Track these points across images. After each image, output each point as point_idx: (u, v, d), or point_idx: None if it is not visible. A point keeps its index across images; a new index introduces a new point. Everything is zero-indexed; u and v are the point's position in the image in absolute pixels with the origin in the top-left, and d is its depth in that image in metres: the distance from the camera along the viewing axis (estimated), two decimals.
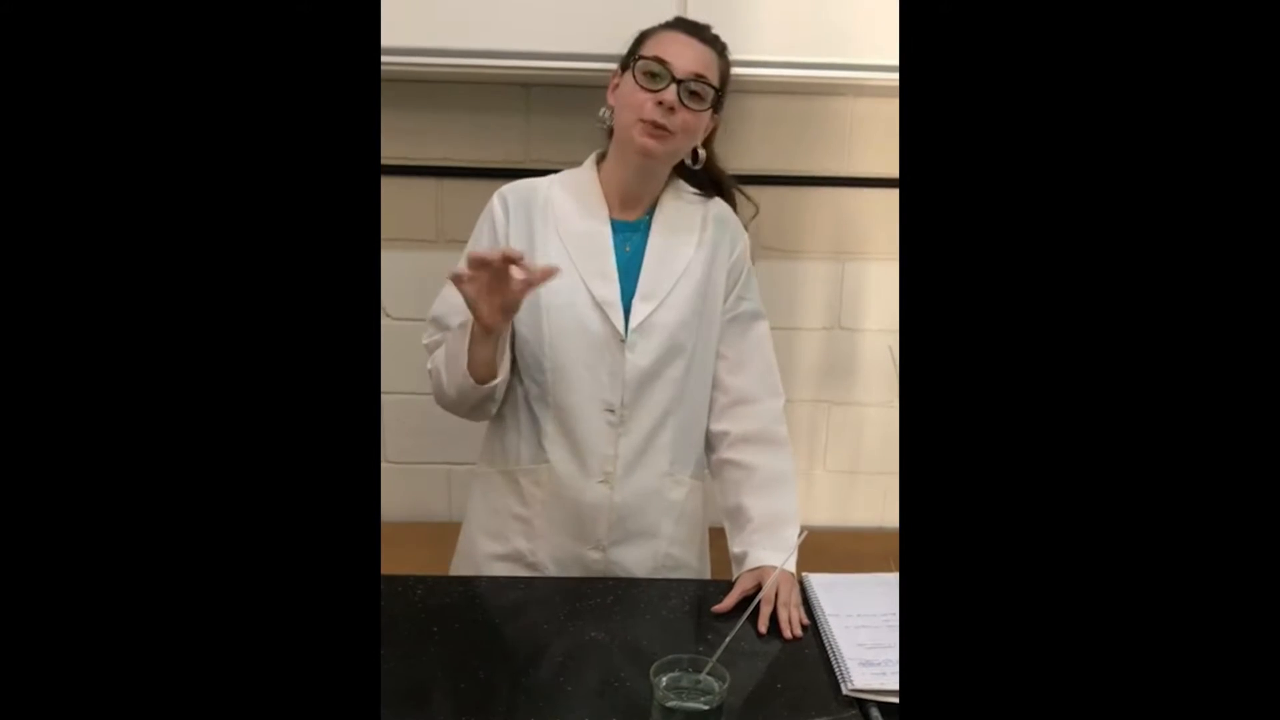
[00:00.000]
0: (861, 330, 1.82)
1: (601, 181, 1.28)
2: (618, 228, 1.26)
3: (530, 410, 1.27)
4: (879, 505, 1.90)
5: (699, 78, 1.20)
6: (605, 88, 1.28)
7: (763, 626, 1.12)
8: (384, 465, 1.82)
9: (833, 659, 1.06)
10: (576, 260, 1.23)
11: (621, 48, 1.27)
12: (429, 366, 1.25)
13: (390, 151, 1.67)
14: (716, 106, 1.26)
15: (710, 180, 1.34)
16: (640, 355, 1.24)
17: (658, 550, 1.30)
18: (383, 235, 1.69)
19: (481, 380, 1.17)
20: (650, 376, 1.25)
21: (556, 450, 1.26)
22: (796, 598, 1.16)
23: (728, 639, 0.95)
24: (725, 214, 1.33)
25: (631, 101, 1.20)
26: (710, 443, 1.34)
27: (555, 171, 1.32)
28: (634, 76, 1.20)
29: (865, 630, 1.10)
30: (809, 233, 1.77)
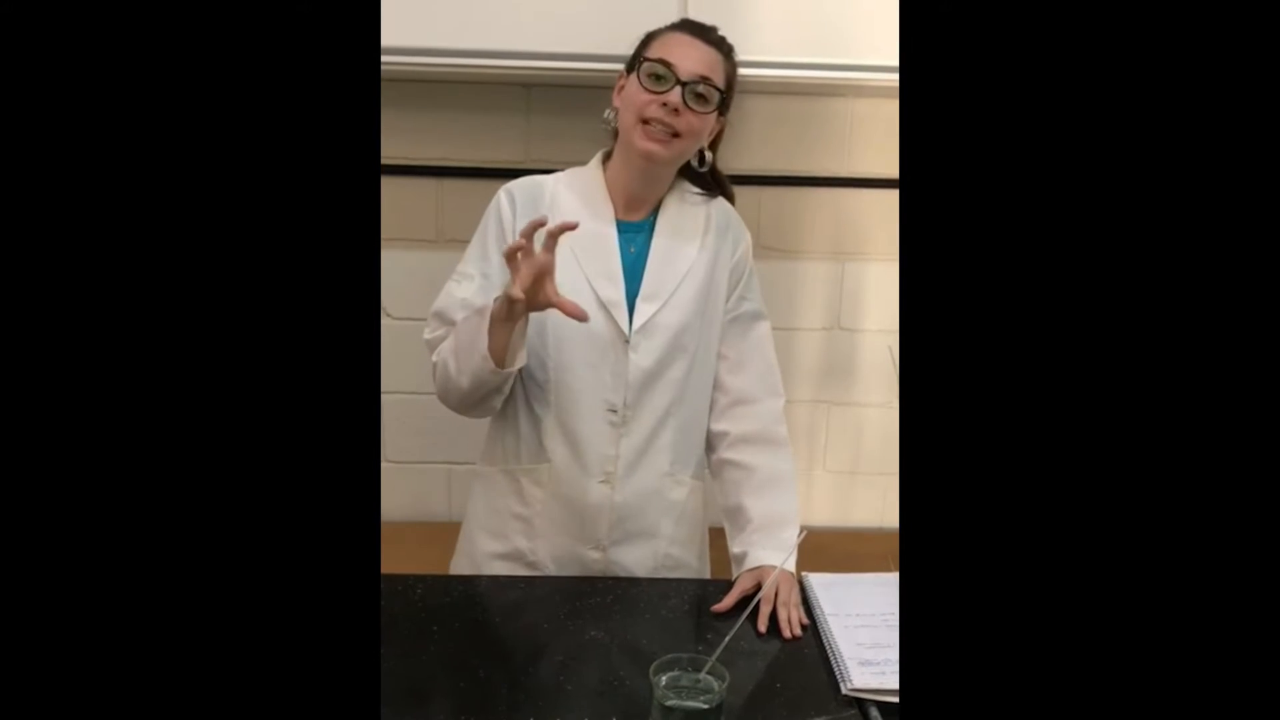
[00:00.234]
0: (861, 331, 1.82)
1: (607, 182, 1.28)
2: (622, 228, 1.26)
3: (531, 409, 1.27)
4: (878, 505, 1.90)
5: (704, 80, 1.19)
6: (606, 88, 1.28)
7: (762, 626, 1.12)
8: (384, 464, 1.82)
9: (832, 658, 1.06)
10: (582, 260, 1.23)
11: (622, 48, 1.27)
12: (433, 359, 1.23)
13: (390, 151, 1.67)
14: (722, 109, 1.25)
15: (715, 182, 1.34)
16: (643, 356, 1.24)
17: (658, 550, 1.30)
18: (383, 235, 1.69)
19: (501, 364, 1.15)
20: (652, 377, 1.25)
21: (558, 450, 1.26)
22: (796, 597, 1.16)
23: (727, 638, 0.95)
24: (728, 214, 1.33)
25: (636, 103, 1.20)
26: (710, 443, 1.34)
27: (556, 171, 1.32)
28: (639, 78, 1.20)
29: (864, 630, 1.10)
30: (809, 233, 1.78)
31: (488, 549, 1.30)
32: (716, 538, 1.36)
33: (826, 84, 1.62)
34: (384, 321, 1.73)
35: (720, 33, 1.25)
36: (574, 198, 1.26)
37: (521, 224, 1.24)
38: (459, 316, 1.21)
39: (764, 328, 1.33)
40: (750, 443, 1.30)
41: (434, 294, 1.29)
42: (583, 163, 1.32)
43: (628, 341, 1.24)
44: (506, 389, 1.22)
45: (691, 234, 1.28)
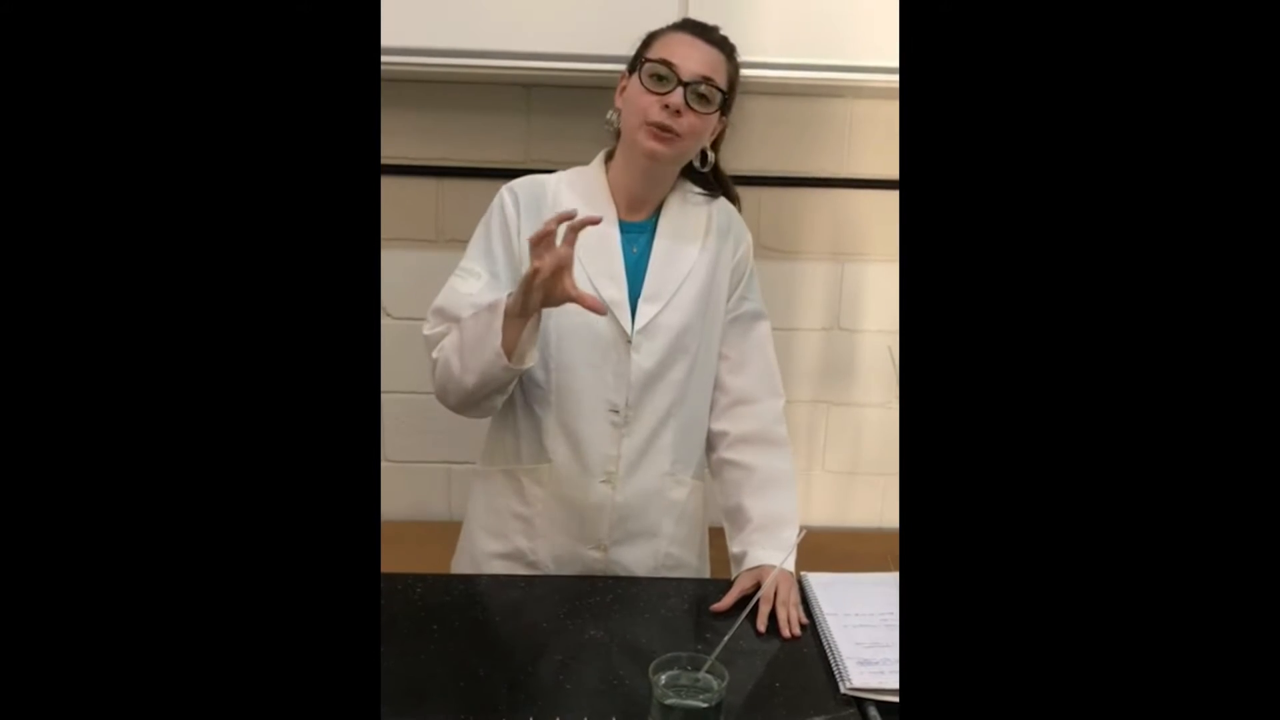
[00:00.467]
0: (860, 331, 1.82)
1: (609, 182, 1.28)
2: (624, 229, 1.27)
3: (532, 410, 1.27)
4: (877, 506, 1.90)
5: (706, 80, 1.19)
6: (607, 88, 1.28)
7: (761, 625, 1.12)
8: (384, 464, 1.82)
9: (831, 658, 1.06)
10: (585, 261, 1.23)
11: (623, 48, 1.27)
12: (433, 355, 1.21)
13: (390, 151, 1.67)
14: (724, 109, 1.25)
15: (718, 182, 1.34)
16: (645, 356, 1.24)
17: (658, 550, 1.30)
18: (383, 235, 1.69)
19: (515, 358, 1.14)
20: (654, 378, 1.25)
21: (559, 450, 1.26)
22: (795, 597, 1.16)
23: (726, 637, 0.95)
24: (729, 215, 1.33)
25: (638, 104, 1.19)
26: (710, 442, 1.34)
27: (557, 171, 1.32)
28: (640, 79, 1.20)
29: (863, 629, 1.10)
30: (808, 234, 1.78)
31: (488, 548, 1.30)
32: (716, 537, 1.36)
33: (826, 85, 1.63)
34: (384, 321, 1.73)
35: (722, 33, 1.25)
36: (576, 198, 1.26)
37: (525, 223, 1.24)
38: (464, 314, 1.19)
39: (764, 328, 1.34)
40: (750, 443, 1.30)
41: (434, 294, 1.29)
42: (583, 163, 1.32)
43: (630, 342, 1.24)
44: (509, 390, 1.22)
45: (693, 235, 1.28)
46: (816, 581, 1.22)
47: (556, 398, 1.25)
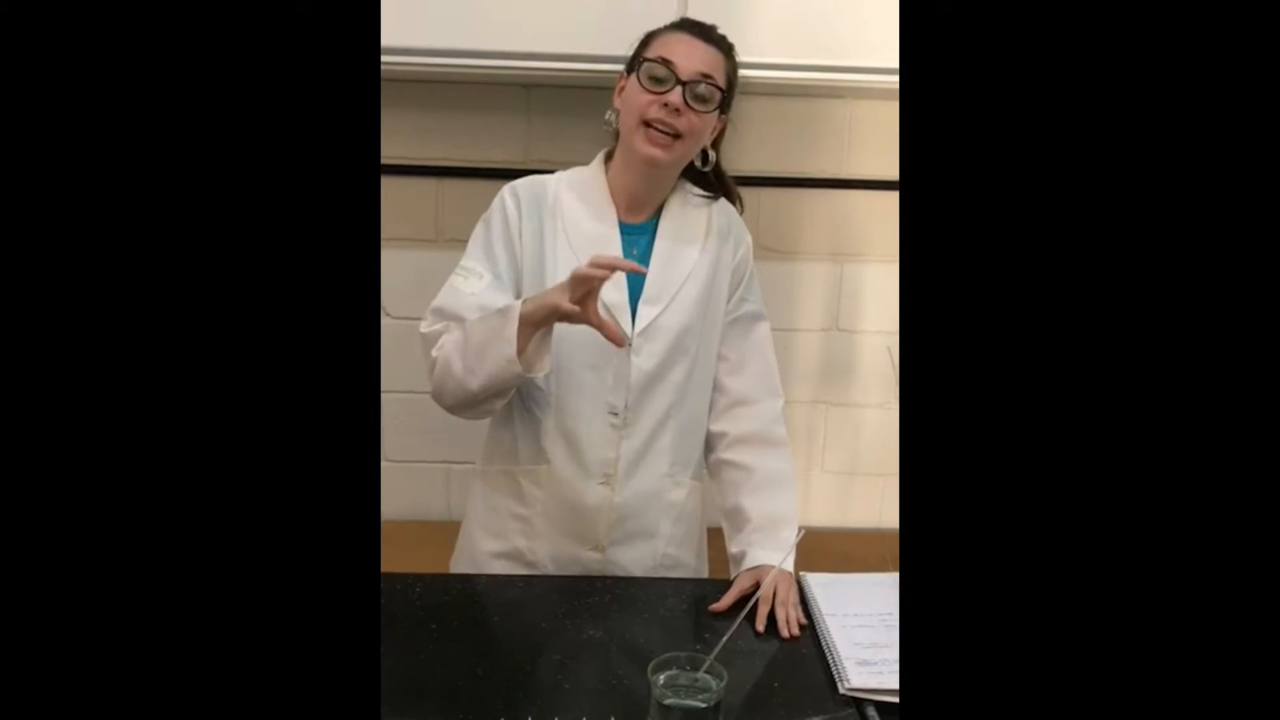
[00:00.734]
0: (859, 332, 1.82)
1: (609, 183, 1.28)
2: (624, 230, 1.26)
3: (531, 411, 1.27)
4: (876, 506, 1.91)
5: (705, 78, 1.19)
6: (606, 89, 1.28)
7: (760, 625, 1.13)
8: (383, 464, 1.82)
9: (830, 658, 1.06)
10: (584, 262, 1.23)
11: (622, 48, 1.27)
12: (432, 354, 1.20)
13: (390, 151, 1.67)
14: (724, 107, 1.25)
15: (718, 184, 1.33)
16: (645, 359, 1.24)
17: (656, 550, 1.30)
18: (383, 235, 1.69)
19: (528, 369, 1.14)
20: (654, 379, 1.25)
21: (557, 451, 1.26)
22: (794, 597, 1.16)
23: (725, 637, 0.95)
24: (730, 216, 1.33)
25: (637, 104, 1.19)
26: (709, 443, 1.34)
27: (557, 171, 1.32)
28: (639, 79, 1.19)
29: (862, 630, 1.10)
30: (807, 234, 1.78)
31: (487, 548, 1.30)
32: (715, 537, 1.36)
33: (825, 86, 1.63)
34: (384, 321, 1.73)
35: (721, 31, 1.25)
36: (576, 199, 1.26)
37: (526, 223, 1.24)
38: (466, 314, 1.19)
39: (764, 329, 1.34)
40: (749, 443, 1.30)
41: (434, 294, 1.29)
42: (583, 163, 1.32)
43: (630, 344, 1.24)
44: (509, 395, 1.22)
45: (693, 237, 1.28)
46: (815, 582, 1.22)
47: (556, 400, 1.25)
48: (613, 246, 1.25)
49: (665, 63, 1.18)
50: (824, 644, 1.09)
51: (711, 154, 1.28)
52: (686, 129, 1.19)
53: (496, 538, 1.30)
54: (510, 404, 1.29)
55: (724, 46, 1.24)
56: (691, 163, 1.27)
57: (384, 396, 1.77)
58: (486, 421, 1.34)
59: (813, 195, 1.76)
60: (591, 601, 1.17)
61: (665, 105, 1.17)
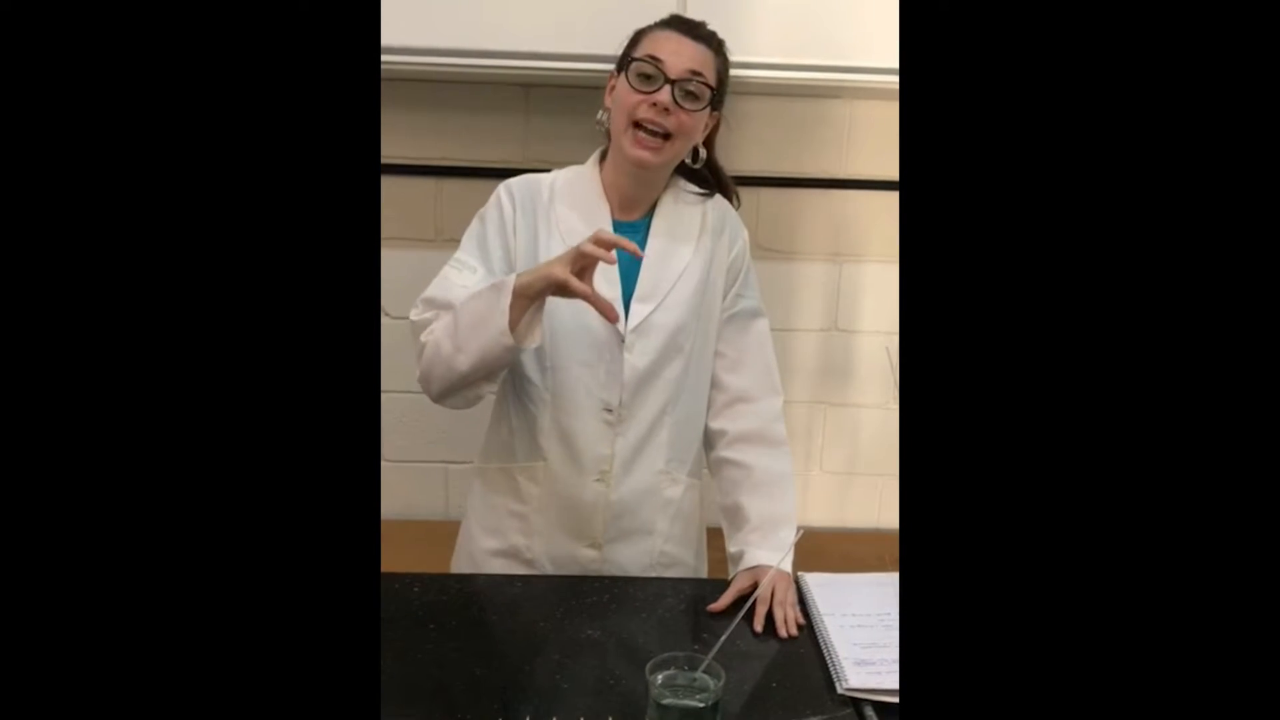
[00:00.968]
0: (858, 332, 1.82)
1: (603, 181, 1.28)
2: (618, 228, 1.26)
3: (527, 408, 1.27)
4: (875, 506, 1.91)
5: (695, 75, 1.18)
6: (604, 88, 1.28)
7: (758, 625, 1.13)
8: (381, 463, 1.82)
9: (828, 658, 1.06)
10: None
11: (621, 48, 1.27)
12: (422, 339, 1.20)
13: (390, 151, 1.67)
14: (716, 104, 1.24)
15: (713, 179, 1.33)
16: (638, 356, 1.25)
17: (653, 547, 1.30)
18: (382, 234, 1.69)
19: (519, 339, 1.12)
20: (648, 377, 1.25)
21: (553, 448, 1.26)
22: (792, 597, 1.16)
23: (723, 637, 0.95)
24: (725, 212, 1.33)
25: (626, 105, 1.19)
26: (709, 441, 1.34)
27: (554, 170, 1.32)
28: (628, 78, 1.19)
29: (861, 630, 1.11)
30: (806, 234, 1.78)
31: (485, 546, 1.31)
32: (715, 537, 1.36)
33: (824, 86, 1.63)
34: (382, 321, 1.73)
35: (710, 27, 1.24)
36: (570, 197, 1.26)
37: (521, 220, 1.24)
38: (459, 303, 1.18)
39: (762, 325, 1.33)
40: (748, 441, 1.30)
41: None
42: (581, 163, 1.32)
43: (623, 341, 1.24)
44: (496, 379, 1.21)
45: (687, 236, 1.28)
46: (814, 582, 1.22)
47: (551, 396, 1.25)
48: None
49: (653, 61, 1.18)
50: (822, 644, 1.09)
51: (702, 151, 1.27)
52: (676, 128, 1.19)
53: (494, 535, 1.30)
54: (507, 401, 1.30)
55: (713, 43, 1.23)
56: (684, 161, 1.27)
57: (383, 396, 1.77)
58: (485, 421, 1.34)
59: (812, 195, 1.76)
60: (590, 601, 1.17)
61: (654, 105, 1.17)
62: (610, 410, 1.25)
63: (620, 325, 1.23)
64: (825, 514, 1.90)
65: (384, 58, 1.43)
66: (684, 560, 1.34)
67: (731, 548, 1.27)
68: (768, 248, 1.77)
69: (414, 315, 1.23)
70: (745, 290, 1.33)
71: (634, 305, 1.25)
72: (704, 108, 1.21)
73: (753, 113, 1.69)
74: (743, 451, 1.30)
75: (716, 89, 1.22)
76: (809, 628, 1.14)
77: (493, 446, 1.33)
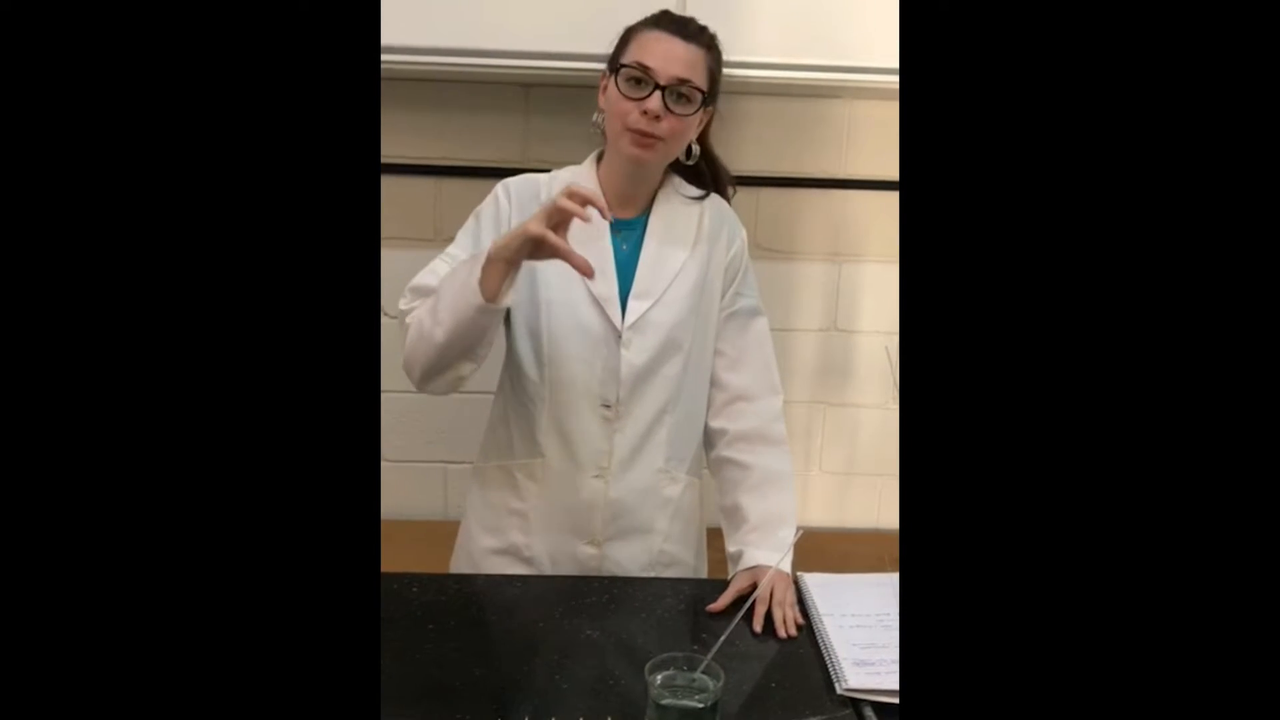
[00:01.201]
0: (857, 332, 1.82)
1: (600, 180, 1.28)
2: (615, 226, 1.26)
3: (526, 405, 1.27)
4: (874, 506, 1.91)
5: (683, 82, 1.18)
6: (599, 89, 1.28)
7: (758, 626, 1.13)
8: (381, 463, 1.82)
9: (827, 658, 1.06)
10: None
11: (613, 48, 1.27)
12: (407, 321, 1.20)
13: (389, 150, 1.67)
14: (709, 100, 1.23)
15: (709, 171, 1.32)
16: (635, 352, 1.25)
17: (652, 546, 1.30)
18: (381, 234, 1.69)
19: (491, 298, 1.11)
20: (646, 373, 1.25)
21: (551, 445, 1.26)
22: (791, 597, 1.16)
23: (723, 637, 0.95)
24: (722, 211, 1.33)
25: (618, 110, 1.19)
26: (708, 440, 1.34)
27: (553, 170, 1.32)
28: (617, 84, 1.19)
29: (860, 630, 1.10)
30: (805, 234, 1.78)
31: (485, 544, 1.31)
32: (716, 537, 1.36)
33: (824, 86, 1.63)
34: (382, 321, 1.73)
35: (700, 23, 1.23)
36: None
37: (517, 218, 1.24)
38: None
39: (762, 324, 1.33)
40: (748, 440, 1.30)
41: None
42: (579, 163, 1.32)
43: (620, 338, 1.24)
44: (475, 358, 1.18)
45: (684, 234, 1.28)
46: (813, 582, 1.22)
47: (549, 393, 1.25)
48: (602, 240, 1.25)
49: (642, 68, 1.17)
50: (821, 644, 1.09)
51: (695, 148, 1.27)
52: (668, 133, 1.18)
53: (493, 534, 1.30)
54: (506, 399, 1.30)
55: (703, 39, 1.21)
56: (678, 157, 1.26)
57: (382, 396, 1.77)
58: (484, 420, 1.34)
59: (811, 195, 1.76)
60: (589, 601, 1.17)
61: (645, 113, 1.17)
62: (608, 407, 1.25)
63: (617, 322, 1.24)
64: (825, 514, 1.90)
65: (384, 57, 1.43)
66: (684, 560, 1.34)
67: (731, 547, 1.27)
68: (767, 248, 1.77)
69: (402, 304, 1.23)
70: (744, 289, 1.32)
71: (631, 302, 1.25)
72: (695, 111, 1.20)
73: (753, 113, 1.69)
74: (742, 451, 1.30)
75: (709, 88, 1.21)
76: (808, 628, 1.14)
77: (492, 444, 1.33)
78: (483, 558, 1.30)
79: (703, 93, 1.20)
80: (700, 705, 0.89)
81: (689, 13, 1.29)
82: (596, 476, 1.26)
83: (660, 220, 1.28)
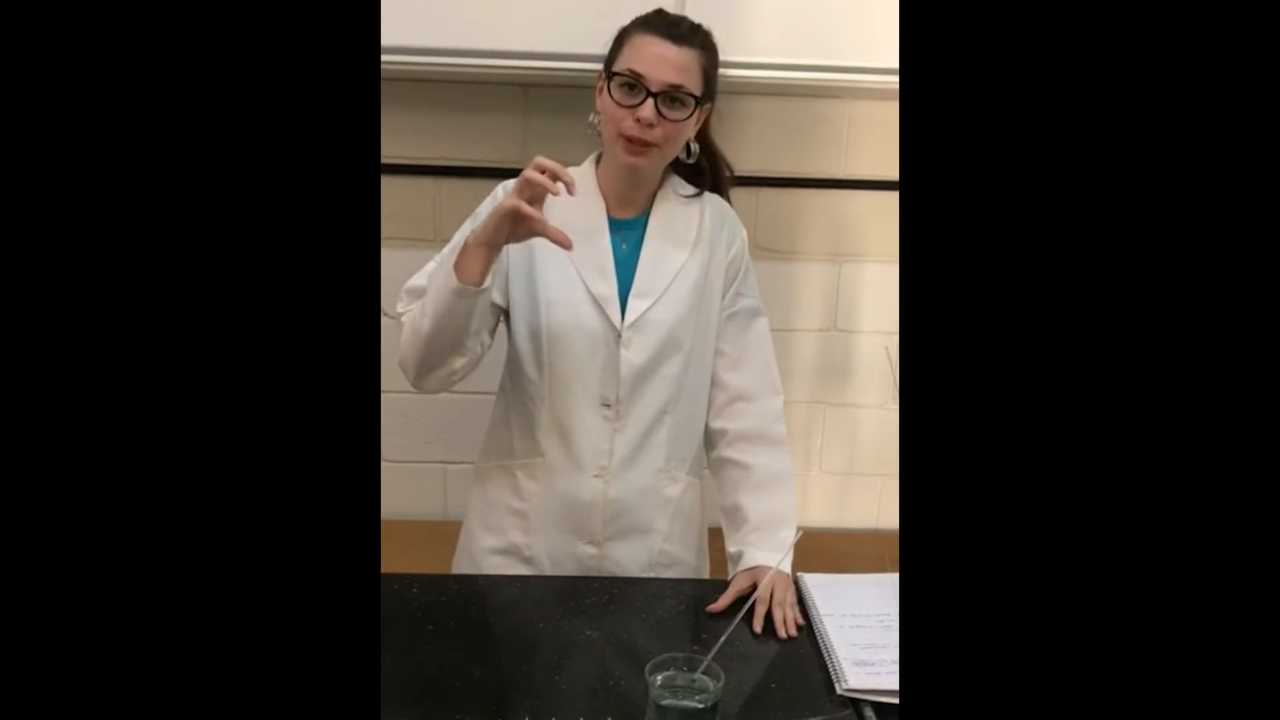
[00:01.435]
0: (857, 332, 1.82)
1: (598, 180, 1.28)
2: (614, 226, 1.27)
3: (526, 405, 1.27)
4: (874, 506, 1.91)
5: (676, 88, 1.17)
6: (596, 89, 1.28)
7: (758, 626, 1.13)
8: (381, 464, 1.82)
9: (827, 659, 1.06)
10: (575, 257, 1.23)
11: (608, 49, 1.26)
12: (402, 320, 1.21)
13: (389, 151, 1.67)
14: (705, 100, 1.23)
15: (709, 167, 1.32)
16: (635, 352, 1.25)
17: (652, 546, 1.30)
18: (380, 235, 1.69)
19: (467, 281, 1.11)
20: (646, 373, 1.25)
21: (551, 444, 1.26)
22: (791, 598, 1.16)
23: (723, 638, 0.95)
24: (723, 210, 1.32)
25: (612, 116, 1.19)
26: (709, 440, 1.34)
27: None
28: (610, 92, 1.19)
29: (860, 630, 1.10)
30: (805, 234, 1.78)
31: (485, 544, 1.31)
32: (716, 538, 1.36)
33: (824, 86, 1.63)
34: (382, 321, 1.73)
35: (693, 22, 1.22)
36: (566, 197, 1.26)
37: None
38: None
39: (762, 324, 1.33)
40: (748, 441, 1.30)
41: None
42: (579, 163, 1.32)
43: (619, 337, 1.24)
44: (465, 350, 1.18)
45: (684, 234, 1.28)
46: (813, 582, 1.22)
47: (549, 392, 1.25)
48: (601, 240, 1.25)
49: (634, 75, 1.17)
50: (821, 645, 1.09)
51: (694, 146, 1.27)
52: (662, 139, 1.18)
53: (494, 533, 1.30)
54: (506, 399, 1.30)
55: (695, 41, 1.20)
56: (678, 155, 1.26)
57: (382, 396, 1.77)
58: (485, 420, 1.34)
59: (811, 195, 1.76)
60: (589, 602, 1.17)
61: (638, 120, 1.16)
62: (608, 406, 1.25)
63: (616, 321, 1.24)
64: (824, 514, 1.90)
65: (384, 57, 1.42)
66: (684, 560, 1.34)
67: (731, 548, 1.27)
68: (767, 248, 1.77)
69: (399, 307, 1.24)
70: (745, 289, 1.32)
71: (631, 301, 1.25)
72: (689, 115, 1.20)
73: (753, 113, 1.69)
74: (743, 451, 1.30)
75: (704, 89, 1.21)
76: (808, 628, 1.14)
77: (493, 444, 1.33)
78: (483, 557, 1.30)
79: (696, 97, 1.19)
80: (700, 706, 0.89)
81: (688, 13, 1.29)
82: (597, 476, 1.26)
83: (660, 220, 1.28)
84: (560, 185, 1.07)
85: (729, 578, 1.23)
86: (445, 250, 1.26)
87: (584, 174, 1.29)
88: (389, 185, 1.69)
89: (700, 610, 1.17)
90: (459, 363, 1.20)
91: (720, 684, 0.90)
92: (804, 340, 1.82)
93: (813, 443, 1.87)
